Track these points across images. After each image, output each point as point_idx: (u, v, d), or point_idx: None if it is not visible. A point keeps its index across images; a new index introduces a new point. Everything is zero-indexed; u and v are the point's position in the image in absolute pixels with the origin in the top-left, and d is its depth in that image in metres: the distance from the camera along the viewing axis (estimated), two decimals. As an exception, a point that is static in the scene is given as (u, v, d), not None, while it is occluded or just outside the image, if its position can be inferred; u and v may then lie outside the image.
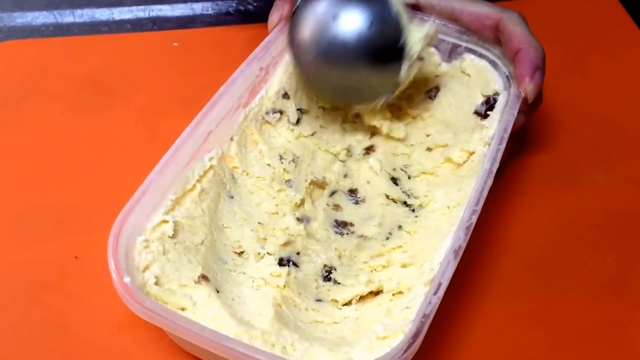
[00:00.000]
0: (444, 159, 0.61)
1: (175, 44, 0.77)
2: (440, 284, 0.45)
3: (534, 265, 0.59)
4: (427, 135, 0.63)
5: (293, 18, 0.60)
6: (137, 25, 0.81)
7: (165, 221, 0.52)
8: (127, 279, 0.46)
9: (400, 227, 0.58)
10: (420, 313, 0.44)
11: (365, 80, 0.60)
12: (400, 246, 0.56)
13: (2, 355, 0.52)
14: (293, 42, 0.60)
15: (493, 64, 0.62)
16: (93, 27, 0.81)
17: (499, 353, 0.54)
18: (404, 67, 0.58)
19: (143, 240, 0.50)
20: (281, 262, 0.54)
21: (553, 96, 0.65)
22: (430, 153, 0.62)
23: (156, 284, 0.49)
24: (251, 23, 0.79)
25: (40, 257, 0.58)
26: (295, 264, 0.55)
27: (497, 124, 0.58)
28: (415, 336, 0.43)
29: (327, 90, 0.62)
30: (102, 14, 0.82)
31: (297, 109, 0.63)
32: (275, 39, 0.62)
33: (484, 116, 0.61)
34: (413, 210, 0.59)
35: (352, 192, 0.61)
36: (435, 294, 0.45)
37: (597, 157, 0.68)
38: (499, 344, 0.54)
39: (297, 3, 0.60)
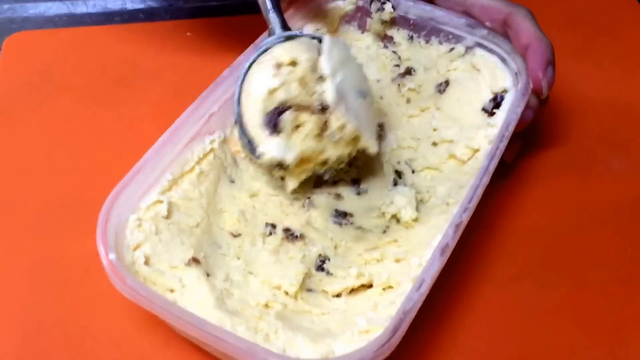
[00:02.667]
0: (449, 155, 0.60)
1: (188, 34, 0.76)
2: (423, 281, 0.45)
3: (554, 256, 0.58)
4: (434, 130, 0.63)
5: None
6: (150, 15, 0.81)
7: (160, 201, 0.52)
8: (112, 256, 0.46)
9: (398, 221, 0.57)
10: (401, 309, 0.43)
11: None
12: (396, 240, 0.56)
13: (27, 352, 0.52)
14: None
15: (503, 60, 0.61)
16: (106, 17, 0.81)
17: (503, 347, 0.53)
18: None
19: (136, 219, 0.50)
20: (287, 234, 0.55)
21: (564, 85, 0.64)
22: (436, 148, 0.61)
23: (146, 263, 0.49)
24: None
25: (63, 253, 0.57)
26: (301, 237, 0.55)
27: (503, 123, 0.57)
28: (393, 331, 0.42)
29: None
30: (115, 3, 0.82)
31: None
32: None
33: (491, 114, 0.60)
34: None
35: (355, 182, 0.61)
36: (417, 290, 0.44)
37: (612, 144, 0.67)
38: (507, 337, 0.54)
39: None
